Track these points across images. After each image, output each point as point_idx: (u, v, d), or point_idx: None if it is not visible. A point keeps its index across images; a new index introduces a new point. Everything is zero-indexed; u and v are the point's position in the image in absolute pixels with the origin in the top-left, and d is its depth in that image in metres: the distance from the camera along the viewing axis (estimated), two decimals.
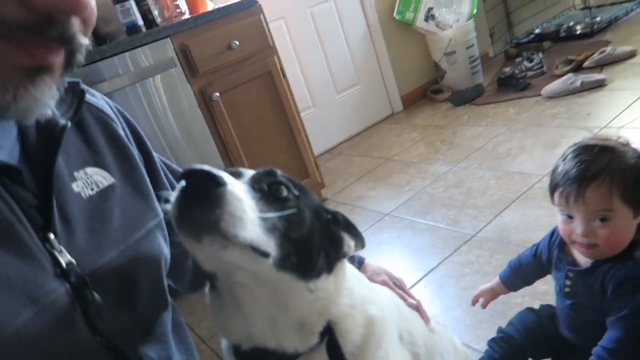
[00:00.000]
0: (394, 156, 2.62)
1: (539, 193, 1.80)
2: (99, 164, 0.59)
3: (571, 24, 3.66)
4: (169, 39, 1.81)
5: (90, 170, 0.58)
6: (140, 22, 1.84)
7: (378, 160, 2.65)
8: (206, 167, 0.45)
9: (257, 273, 0.51)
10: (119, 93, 1.71)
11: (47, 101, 0.44)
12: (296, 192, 0.55)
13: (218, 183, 0.45)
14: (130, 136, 0.67)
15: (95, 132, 0.61)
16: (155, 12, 1.90)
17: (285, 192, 0.54)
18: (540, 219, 1.64)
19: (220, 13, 1.93)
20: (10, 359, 0.45)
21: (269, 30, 2.04)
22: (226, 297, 0.56)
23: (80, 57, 0.47)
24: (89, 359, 0.53)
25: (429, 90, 3.35)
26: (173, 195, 0.46)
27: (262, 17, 2.01)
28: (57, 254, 0.50)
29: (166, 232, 0.65)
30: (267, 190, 0.53)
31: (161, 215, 0.65)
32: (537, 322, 0.98)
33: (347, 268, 0.66)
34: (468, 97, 3.01)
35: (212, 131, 1.94)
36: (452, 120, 2.83)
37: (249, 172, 0.56)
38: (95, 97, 0.64)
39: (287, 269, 0.52)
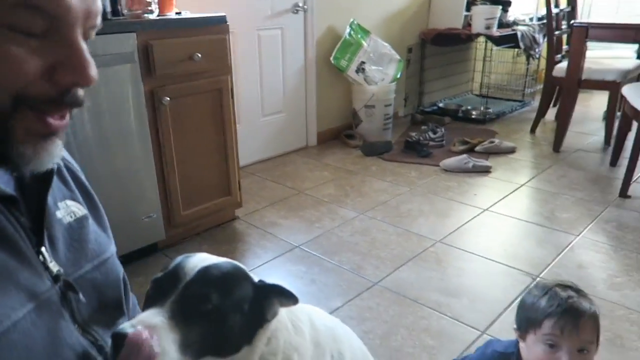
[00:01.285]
0: (306, 190, 2.81)
1: (431, 256, 2.10)
2: (74, 199, 0.73)
3: (469, 107, 4.23)
4: (134, 34, 1.81)
5: (69, 202, 0.71)
6: (109, 8, 1.81)
7: (291, 190, 2.81)
8: (117, 332, 0.58)
9: None
10: None
11: (59, 154, 0.57)
12: (217, 302, 0.64)
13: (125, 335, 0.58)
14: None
15: (67, 176, 0.74)
16: (123, 1, 1.88)
17: (208, 306, 0.63)
18: (431, 280, 1.93)
19: (190, 23, 1.97)
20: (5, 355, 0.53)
21: (230, 50, 2.11)
22: None
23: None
24: (72, 349, 0.61)
25: (343, 134, 3.62)
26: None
27: (227, 37, 2.08)
28: (48, 264, 0.61)
29: None
30: (188, 309, 0.62)
31: (114, 248, 0.79)
32: None
33: (278, 318, 0.74)
34: (378, 150, 3.33)
35: (152, 132, 1.95)
36: (361, 169, 3.11)
37: (179, 286, 0.64)
38: (64, 151, 0.77)
39: (205, 356, 0.64)
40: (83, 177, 0.79)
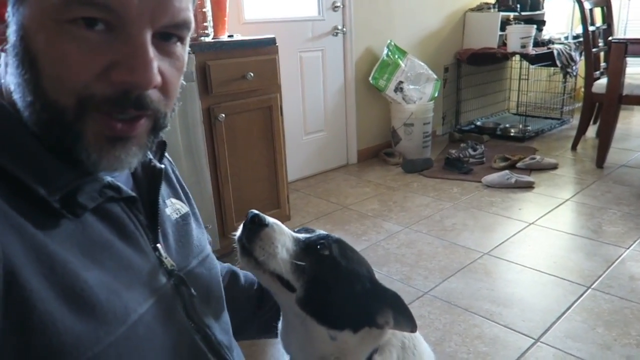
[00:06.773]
0: (349, 205, 2.86)
1: (479, 268, 2.11)
2: (178, 197, 0.77)
3: (507, 125, 4.24)
4: (194, 55, 1.93)
5: (174, 200, 0.75)
6: None
7: (335, 205, 2.87)
8: (258, 213, 0.67)
9: (288, 304, 0.69)
10: None
11: (130, 160, 0.57)
12: (334, 254, 0.71)
13: (263, 224, 0.67)
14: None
15: (170, 175, 0.78)
16: None
17: (326, 252, 0.70)
18: (481, 290, 1.94)
19: (243, 44, 2.08)
20: (130, 348, 0.55)
21: (279, 70, 2.22)
22: (283, 321, 0.76)
23: (165, 123, 0.60)
24: (184, 341, 0.65)
25: (383, 152, 3.68)
26: (240, 226, 0.68)
27: (277, 57, 2.19)
28: (163, 259, 0.64)
29: None
30: (313, 246, 0.70)
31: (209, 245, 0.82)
32: None
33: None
34: (418, 167, 3.37)
35: (208, 148, 2.05)
36: (402, 185, 3.15)
37: (317, 233, 0.75)
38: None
39: (309, 311, 0.68)
40: (178, 172, 0.82)
